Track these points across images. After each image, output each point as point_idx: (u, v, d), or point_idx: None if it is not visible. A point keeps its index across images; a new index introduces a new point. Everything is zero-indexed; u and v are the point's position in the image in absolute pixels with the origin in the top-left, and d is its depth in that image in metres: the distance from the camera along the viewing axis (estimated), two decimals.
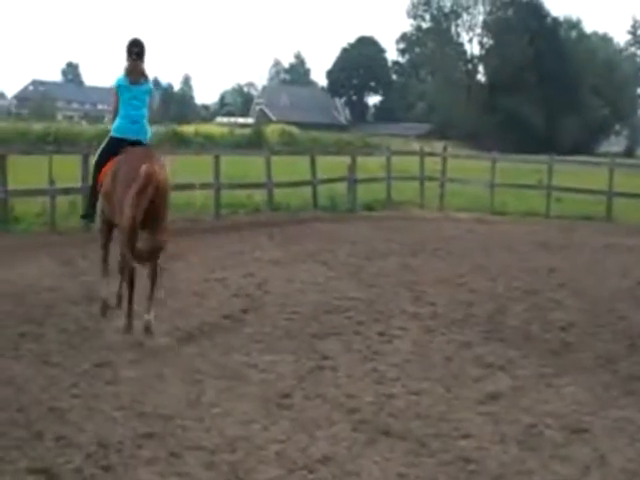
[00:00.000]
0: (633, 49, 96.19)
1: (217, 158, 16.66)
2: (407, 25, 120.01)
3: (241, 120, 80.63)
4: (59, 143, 26.38)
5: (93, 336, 7.49)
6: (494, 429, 5.54)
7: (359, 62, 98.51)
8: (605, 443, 5.33)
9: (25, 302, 8.64)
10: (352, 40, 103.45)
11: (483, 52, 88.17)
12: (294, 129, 54.88)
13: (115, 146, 8.11)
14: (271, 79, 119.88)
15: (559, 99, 76.26)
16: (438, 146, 28.16)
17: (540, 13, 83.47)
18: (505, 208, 19.91)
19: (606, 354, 7.41)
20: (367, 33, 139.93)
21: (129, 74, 8.17)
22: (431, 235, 15.42)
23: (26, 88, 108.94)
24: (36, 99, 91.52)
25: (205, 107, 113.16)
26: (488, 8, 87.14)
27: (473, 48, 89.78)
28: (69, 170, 14.57)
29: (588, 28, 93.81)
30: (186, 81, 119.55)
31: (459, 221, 18.21)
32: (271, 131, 50.81)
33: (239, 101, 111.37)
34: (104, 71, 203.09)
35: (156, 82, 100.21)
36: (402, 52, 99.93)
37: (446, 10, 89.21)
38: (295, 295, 9.51)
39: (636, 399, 6.21)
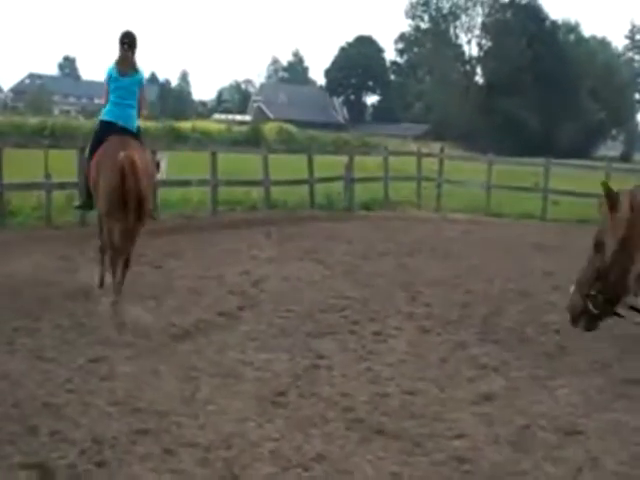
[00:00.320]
0: (631, 54, 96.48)
1: (214, 155, 16.64)
2: (405, 25, 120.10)
3: (238, 117, 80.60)
4: (55, 137, 26.38)
5: (88, 331, 7.48)
6: (488, 430, 5.55)
7: (357, 61, 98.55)
8: (598, 445, 5.34)
9: (20, 297, 8.62)
10: (350, 39, 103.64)
11: (481, 54, 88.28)
12: (292, 127, 54.87)
13: (104, 132, 8.48)
14: (269, 77, 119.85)
15: (557, 102, 76.37)
16: (435, 147, 28.24)
17: (539, 16, 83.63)
18: (501, 210, 19.95)
19: (600, 358, 7.42)
20: (366, 32, 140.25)
21: (119, 64, 8.57)
22: (428, 236, 15.44)
23: (22, 81, 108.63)
24: (32, 92, 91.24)
25: (202, 103, 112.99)
26: (486, 10, 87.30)
27: (471, 49, 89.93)
28: (65, 164, 14.56)
29: (586, 32, 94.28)
30: (184, 77, 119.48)
31: (455, 222, 18.24)
32: (269, 129, 50.80)
33: (237, 98, 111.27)
34: (101, 65, 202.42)
35: (153, 77, 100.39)
36: (400, 52, 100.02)
37: (444, 11, 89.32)
38: (291, 293, 9.52)
39: (629, 402, 6.22)
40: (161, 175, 15.79)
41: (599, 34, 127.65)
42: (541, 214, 19.36)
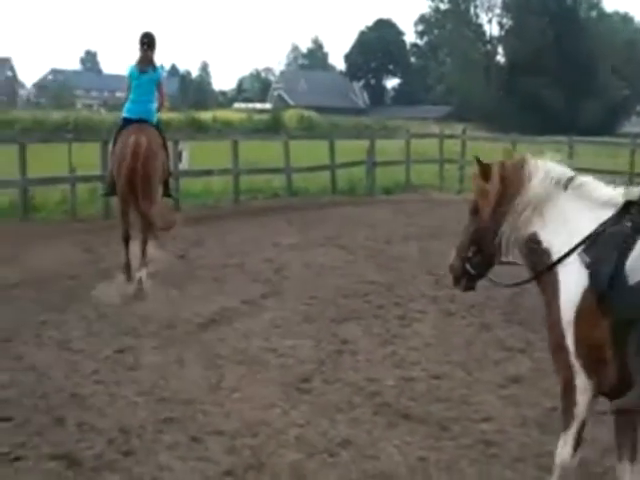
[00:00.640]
0: None
1: (235, 144, 16.64)
2: (425, 7, 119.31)
3: (259, 106, 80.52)
4: (78, 131, 26.52)
5: (114, 323, 7.54)
6: (515, 412, 5.52)
7: (377, 45, 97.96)
8: None
9: (46, 290, 8.70)
10: (370, 23, 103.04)
11: (502, 33, 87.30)
12: (312, 114, 54.69)
13: (124, 126, 9.21)
14: (289, 64, 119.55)
15: (579, 80, 75.44)
16: (457, 128, 27.99)
17: None
18: None
19: None
20: (385, 16, 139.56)
21: (138, 63, 9.30)
22: (450, 218, 15.31)
23: (45, 77, 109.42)
24: (55, 88, 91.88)
25: (223, 93, 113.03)
26: None
27: (492, 29, 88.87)
28: (88, 158, 14.64)
29: (608, 7, 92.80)
30: (204, 67, 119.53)
31: None
32: (289, 116, 50.65)
33: (257, 87, 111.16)
34: (122, 59, 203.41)
35: (173, 69, 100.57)
36: (420, 34, 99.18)
37: None
38: (314, 279, 9.51)
39: None
40: (183, 165, 15.85)
41: (621, 9, 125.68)
42: None
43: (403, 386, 5.99)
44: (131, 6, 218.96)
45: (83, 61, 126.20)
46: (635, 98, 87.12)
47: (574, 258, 3.89)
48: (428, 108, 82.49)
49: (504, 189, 4.15)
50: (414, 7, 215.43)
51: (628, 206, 3.91)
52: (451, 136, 22.90)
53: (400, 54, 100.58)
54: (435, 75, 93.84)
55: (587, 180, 4.19)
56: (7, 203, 13.80)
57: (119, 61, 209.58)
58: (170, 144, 11.92)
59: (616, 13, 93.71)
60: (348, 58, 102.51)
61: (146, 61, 9.29)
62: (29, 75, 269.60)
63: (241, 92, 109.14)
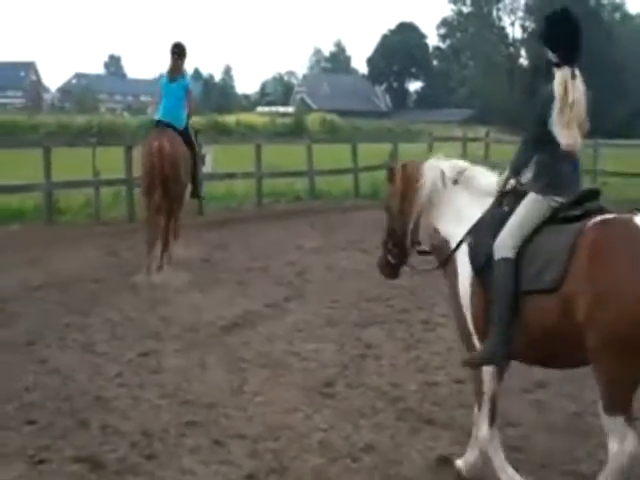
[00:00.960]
0: None
1: (258, 147, 16.68)
2: (448, 10, 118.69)
3: (282, 109, 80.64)
4: (102, 135, 26.69)
5: (137, 326, 7.56)
6: (540, 417, 5.47)
7: (399, 48, 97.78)
8: None
9: (71, 293, 8.75)
10: (392, 26, 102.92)
11: (525, 36, 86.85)
12: (335, 117, 54.64)
13: (154, 128, 10.08)
14: (312, 68, 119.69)
15: (603, 82, 74.50)
16: (480, 131, 27.85)
17: None
18: None
19: None
20: (407, 19, 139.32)
21: (169, 73, 10.11)
22: None
23: (69, 81, 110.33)
24: (79, 92, 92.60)
25: (246, 97, 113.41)
26: None
27: (515, 32, 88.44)
28: (112, 161, 14.72)
29: (632, 9, 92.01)
30: (227, 71, 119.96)
31: None
32: (312, 120, 50.68)
33: (279, 90, 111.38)
34: (146, 63, 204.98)
35: (197, 73, 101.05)
36: (443, 37, 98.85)
37: None
38: (337, 283, 9.49)
39: None
40: (206, 169, 15.90)
41: None
42: None
43: (426, 391, 5.95)
44: (154, 11, 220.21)
45: (107, 65, 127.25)
46: None
47: (465, 243, 4.37)
48: (451, 111, 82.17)
49: (405, 188, 4.75)
50: (436, 10, 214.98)
51: (507, 193, 4.38)
52: (474, 139, 22.79)
53: (422, 57, 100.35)
54: (457, 78, 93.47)
55: (476, 172, 4.64)
56: (32, 206, 13.90)
57: (143, 65, 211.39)
58: None
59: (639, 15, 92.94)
60: (370, 61, 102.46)
61: (176, 70, 10.08)
62: (53, 79, 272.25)
63: (264, 96, 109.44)
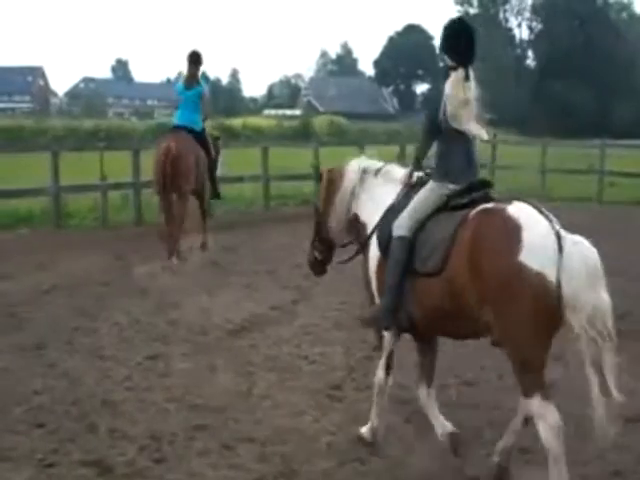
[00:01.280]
0: None
1: (265, 150, 16.68)
2: (454, 12, 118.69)
3: (289, 112, 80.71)
4: (110, 139, 26.75)
5: (145, 329, 7.57)
6: None
7: (406, 51, 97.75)
8: None
9: (78, 296, 8.77)
10: (399, 28, 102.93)
11: (532, 37, 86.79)
12: (342, 120, 54.63)
13: (170, 131, 11.04)
14: (318, 70, 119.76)
15: (611, 83, 74.66)
16: (488, 132, 27.76)
17: None
18: (557, 194, 19.53)
19: None
20: (414, 21, 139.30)
21: (185, 81, 10.91)
22: None
23: (77, 86, 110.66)
24: (86, 96, 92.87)
25: (253, 100, 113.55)
26: None
27: (522, 33, 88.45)
28: (120, 165, 14.75)
29: (639, 9, 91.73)
30: (234, 74, 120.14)
31: None
32: (319, 122, 50.65)
33: (286, 93, 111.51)
34: (153, 67, 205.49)
35: (203, 77, 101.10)
36: None
37: None
38: (344, 286, 9.46)
39: None
40: (218, 172, 15.91)
41: None
42: (597, 196, 18.90)
43: (435, 392, 5.92)
44: (162, 15, 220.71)
45: (114, 69, 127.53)
46: None
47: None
48: None
49: (329, 188, 5.42)
50: (443, 12, 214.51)
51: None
52: (481, 140, 22.69)
53: (429, 59, 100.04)
54: None
55: (391, 167, 5.32)
56: (40, 210, 13.94)
57: (150, 69, 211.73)
58: None
59: None
60: (377, 64, 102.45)
61: (192, 78, 10.85)
62: (61, 84, 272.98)
63: (271, 98, 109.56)
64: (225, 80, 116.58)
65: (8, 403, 5.64)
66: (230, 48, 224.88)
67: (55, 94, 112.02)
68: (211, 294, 8.92)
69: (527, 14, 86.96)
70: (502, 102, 78.17)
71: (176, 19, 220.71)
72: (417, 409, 5.60)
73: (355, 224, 5.25)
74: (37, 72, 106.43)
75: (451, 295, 4.29)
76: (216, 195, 11.83)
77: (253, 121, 51.47)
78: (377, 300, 4.92)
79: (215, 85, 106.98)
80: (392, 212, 4.81)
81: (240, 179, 16.81)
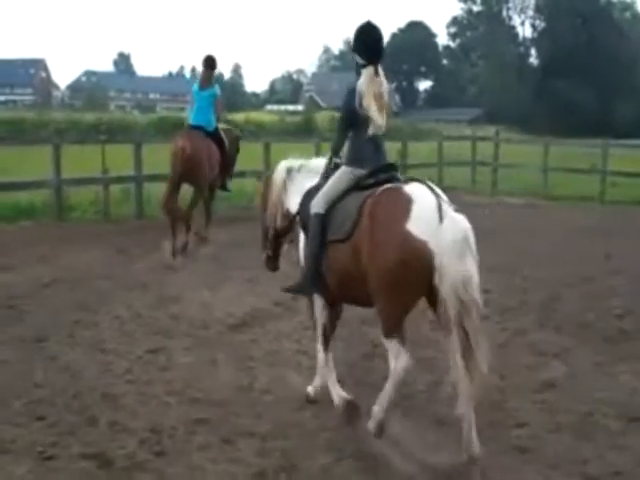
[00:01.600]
0: None
1: (267, 146, 16.66)
2: (458, 9, 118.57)
3: (291, 107, 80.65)
4: (112, 132, 26.70)
5: (146, 323, 7.58)
6: (549, 418, 5.45)
7: (409, 47, 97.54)
8: None
9: (80, 290, 8.77)
10: (402, 25, 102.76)
11: (535, 35, 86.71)
12: None
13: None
14: (321, 66, 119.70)
15: (614, 82, 74.62)
16: (490, 131, 27.79)
17: None
18: (559, 193, 19.54)
19: None
20: (417, 18, 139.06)
21: (200, 82, 11.70)
22: (483, 221, 15.19)
23: (79, 79, 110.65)
24: (88, 89, 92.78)
25: (255, 95, 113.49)
26: None
27: (525, 31, 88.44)
28: (122, 159, 14.74)
29: None
30: (236, 70, 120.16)
31: (512, 207, 17.93)
32: (321, 118, 50.55)
33: (289, 88, 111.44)
34: (155, 60, 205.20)
35: (218, 79, 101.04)
36: (453, 36, 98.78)
37: None
38: None
39: None
40: None
41: None
42: (599, 196, 18.87)
43: (434, 390, 5.93)
44: (164, 9, 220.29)
45: (116, 63, 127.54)
46: None
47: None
48: (460, 110, 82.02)
49: (265, 192, 6.11)
50: (446, 9, 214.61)
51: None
52: (484, 138, 22.73)
53: (432, 56, 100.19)
54: (467, 77, 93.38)
55: (313, 161, 6.00)
56: (41, 203, 13.94)
57: (152, 63, 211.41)
58: None
59: None
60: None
61: (206, 80, 11.63)
62: (63, 77, 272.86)
63: (273, 94, 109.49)
64: (227, 75, 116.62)
65: (8, 396, 5.65)
66: (233, 43, 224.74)
67: (57, 87, 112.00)
68: (212, 288, 8.92)
69: (530, 12, 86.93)
70: (505, 100, 78.25)
71: (179, 13, 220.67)
72: (416, 406, 5.62)
73: (287, 215, 5.87)
74: (39, 65, 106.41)
75: (355, 260, 4.85)
76: (223, 187, 12.54)
77: (256, 116, 51.39)
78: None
79: (217, 80, 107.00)
80: (310, 195, 5.44)
81: (242, 174, 16.78)
